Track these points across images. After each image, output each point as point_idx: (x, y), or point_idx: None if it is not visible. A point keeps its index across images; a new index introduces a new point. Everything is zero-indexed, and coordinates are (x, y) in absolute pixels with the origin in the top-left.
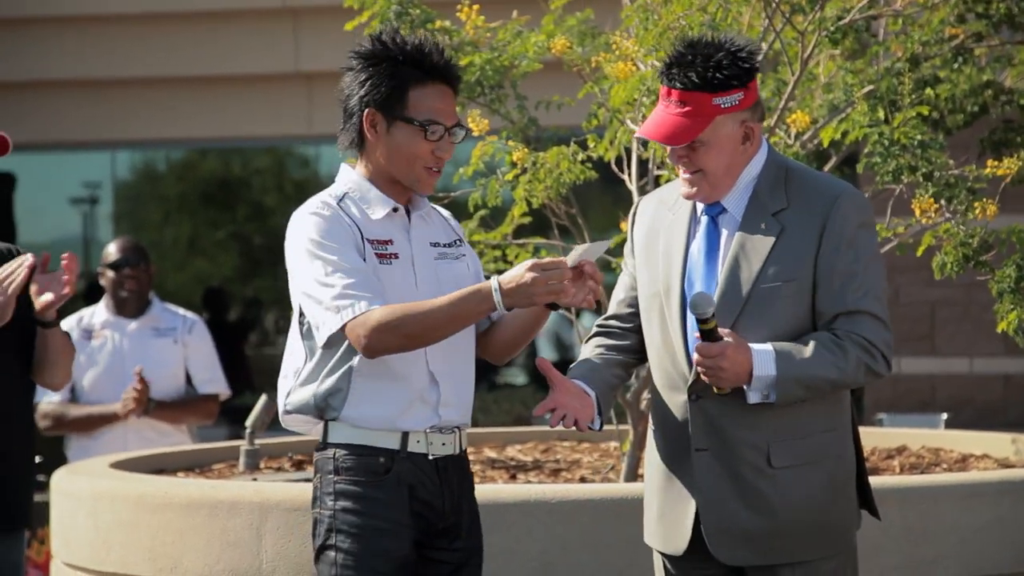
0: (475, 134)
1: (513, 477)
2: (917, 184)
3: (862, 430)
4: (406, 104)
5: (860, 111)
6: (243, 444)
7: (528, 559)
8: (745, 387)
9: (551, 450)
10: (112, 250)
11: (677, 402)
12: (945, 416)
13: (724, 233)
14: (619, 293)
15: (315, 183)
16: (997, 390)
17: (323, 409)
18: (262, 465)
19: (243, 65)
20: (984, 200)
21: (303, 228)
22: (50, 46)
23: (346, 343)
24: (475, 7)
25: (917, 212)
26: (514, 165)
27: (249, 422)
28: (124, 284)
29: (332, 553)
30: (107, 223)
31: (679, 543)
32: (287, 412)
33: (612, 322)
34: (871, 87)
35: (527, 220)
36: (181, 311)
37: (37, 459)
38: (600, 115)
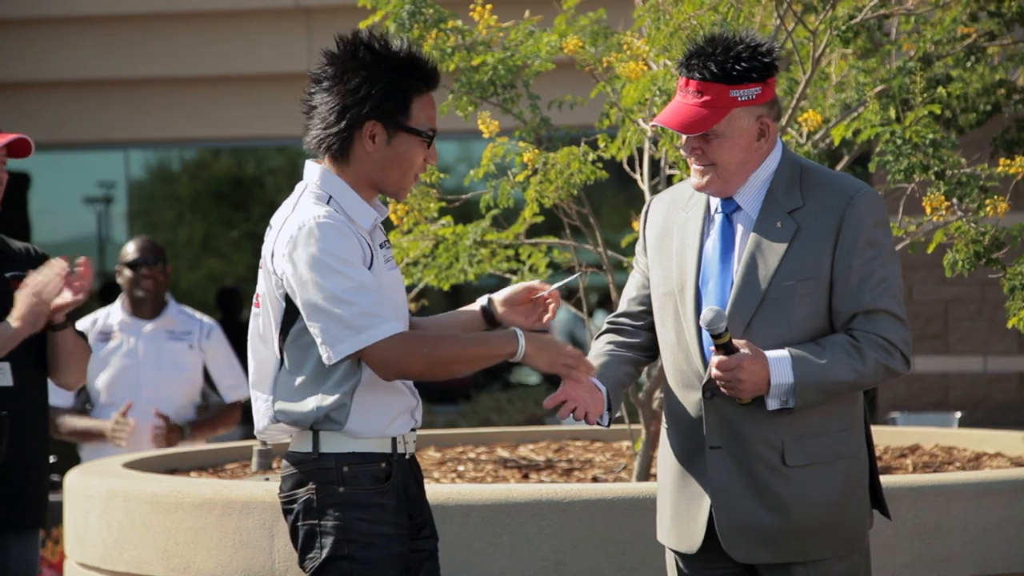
0: (485, 136)
1: (526, 476)
2: (929, 183)
3: (875, 429)
4: (409, 115)
5: (872, 110)
6: (256, 444)
7: (540, 558)
8: (764, 395)
9: (563, 450)
10: (130, 249)
11: (691, 400)
12: (959, 415)
13: (739, 231)
14: (630, 291)
15: None
16: (1011, 388)
17: (323, 422)
18: (275, 465)
19: (257, 65)
20: (996, 197)
21: (317, 238)
22: (65, 46)
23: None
24: (488, 7)
25: (928, 210)
26: (525, 166)
27: None
28: (141, 283)
29: (345, 563)
30: (121, 222)
31: (693, 541)
32: (275, 422)
33: (623, 319)
34: (883, 86)
35: (539, 220)
36: (197, 314)
37: (51, 459)
38: (612, 115)
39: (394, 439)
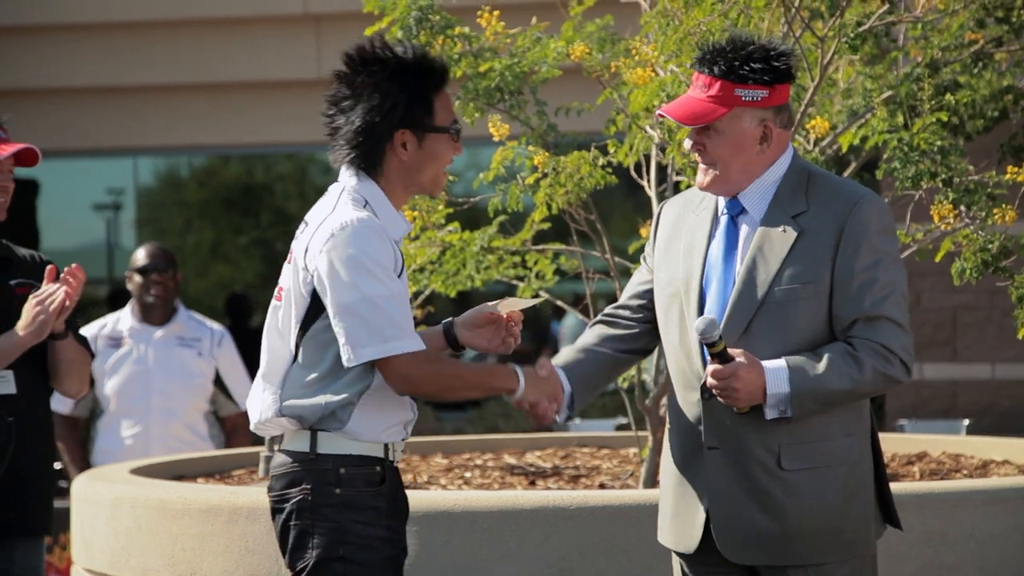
0: (495, 139)
1: (532, 483)
2: (937, 190)
3: (883, 436)
4: (434, 115)
5: (879, 117)
6: (262, 450)
7: (547, 565)
8: (762, 404)
9: (570, 456)
10: (141, 255)
11: (691, 400)
12: (966, 422)
13: (743, 233)
14: (632, 285)
15: None
16: (1019, 396)
17: (326, 419)
18: None
19: (266, 71)
20: (1004, 205)
21: (358, 240)
22: (73, 53)
23: None
24: (495, 13)
25: (936, 218)
26: (535, 169)
27: None
28: (151, 289)
29: (340, 565)
30: (130, 229)
31: (690, 542)
32: (279, 416)
33: (620, 311)
34: (890, 93)
35: (546, 226)
36: (208, 321)
37: (57, 465)
38: (619, 121)
39: (386, 445)
